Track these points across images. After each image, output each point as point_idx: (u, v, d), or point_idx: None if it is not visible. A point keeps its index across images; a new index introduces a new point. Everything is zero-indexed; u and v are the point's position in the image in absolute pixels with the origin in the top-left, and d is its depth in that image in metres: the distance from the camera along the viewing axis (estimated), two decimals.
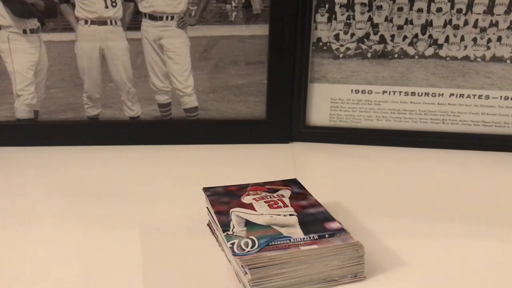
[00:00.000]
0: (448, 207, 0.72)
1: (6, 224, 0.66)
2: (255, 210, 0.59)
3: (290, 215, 0.58)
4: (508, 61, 0.91)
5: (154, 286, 0.53)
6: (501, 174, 0.85)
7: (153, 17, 0.91)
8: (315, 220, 0.57)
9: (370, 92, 0.95)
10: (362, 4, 0.91)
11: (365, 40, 0.93)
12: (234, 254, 0.52)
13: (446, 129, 0.96)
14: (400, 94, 0.95)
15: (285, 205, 0.60)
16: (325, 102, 0.97)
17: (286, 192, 0.64)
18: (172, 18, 0.91)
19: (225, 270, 0.55)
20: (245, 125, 0.97)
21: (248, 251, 0.52)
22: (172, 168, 0.86)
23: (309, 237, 0.54)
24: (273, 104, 0.95)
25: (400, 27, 0.91)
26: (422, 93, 0.94)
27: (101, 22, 0.90)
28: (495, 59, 0.91)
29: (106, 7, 0.89)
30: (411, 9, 0.90)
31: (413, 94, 0.95)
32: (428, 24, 0.91)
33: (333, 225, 0.56)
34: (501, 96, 0.93)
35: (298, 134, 0.98)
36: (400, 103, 0.95)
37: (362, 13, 0.91)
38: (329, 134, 0.97)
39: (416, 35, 0.92)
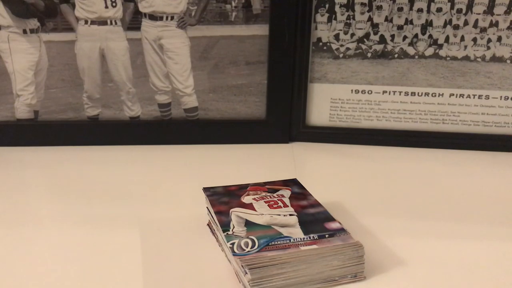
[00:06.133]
0: (448, 207, 0.72)
1: (6, 224, 0.66)
2: (255, 210, 0.59)
3: (290, 215, 0.58)
4: (508, 61, 0.91)
5: (154, 286, 0.53)
6: (501, 174, 0.85)
7: (153, 17, 0.91)
8: (315, 220, 0.57)
9: (370, 92, 0.95)
10: (362, 4, 0.91)
11: (365, 40, 0.93)
12: (234, 254, 0.52)
13: (446, 129, 0.96)
14: (400, 94, 0.95)
15: (285, 205, 0.60)
16: (325, 102, 0.97)
17: (286, 192, 0.64)
18: (172, 18, 0.91)
19: (225, 270, 0.55)
20: (245, 125, 0.97)
21: (248, 251, 0.52)
22: (172, 168, 0.86)
23: (309, 237, 0.54)
24: (273, 104, 0.95)
25: (400, 27, 0.91)
26: (422, 93, 0.94)
27: (101, 22, 0.90)
28: (495, 59, 0.91)
29: (106, 7, 0.89)
30: (411, 9, 0.90)
31: (413, 94, 0.95)
32: (428, 24, 0.91)
33: (333, 225, 0.56)
34: (501, 96, 0.93)
35: (298, 134, 0.98)
36: (400, 103, 0.95)
37: (362, 13, 0.91)
38: (329, 134, 0.97)
39: (416, 35, 0.92)
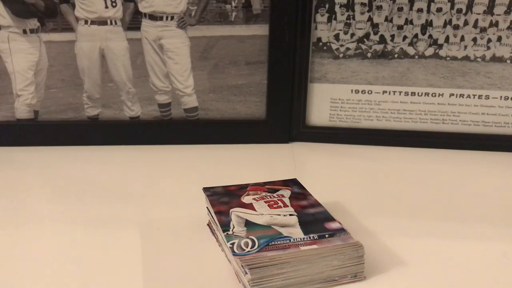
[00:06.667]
0: (448, 207, 0.72)
1: (6, 224, 0.66)
2: (255, 210, 0.59)
3: (290, 215, 0.58)
4: (508, 61, 0.91)
5: (154, 286, 0.53)
6: (501, 174, 0.85)
7: (153, 17, 0.91)
8: (315, 220, 0.57)
9: (370, 92, 0.95)
10: (362, 4, 0.91)
11: (365, 40, 0.93)
12: (234, 254, 0.52)
13: (446, 129, 0.96)
14: (400, 94, 0.95)
15: (285, 205, 0.60)
16: (325, 102, 0.97)
17: (286, 192, 0.64)
18: (172, 18, 0.91)
19: (225, 270, 0.55)
20: (245, 125, 0.97)
21: (248, 251, 0.52)
22: (172, 168, 0.86)
23: (309, 237, 0.54)
24: (273, 104, 0.95)
25: (400, 27, 0.91)
26: (422, 93, 0.94)
27: (101, 22, 0.90)
28: (495, 59, 0.91)
29: (106, 7, 0.89)
30: (411, 9, 0.90)
31: (413, 94, 0.95)
32: (428, 24, 0.91)
33: (333, 225, 0.56)
34: (501, 96, 0.93)
35: (298, 134, 0.98)
36: (400, 103, 0.95)
37: (362, 13, 0.91)
38: (329, 134, 0.97)
39: (416, 35, 0.92)
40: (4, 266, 0.57)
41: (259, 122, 0.97)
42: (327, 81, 0.96)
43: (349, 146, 0.96)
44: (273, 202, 0.61)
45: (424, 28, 0.91)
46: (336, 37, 0.93)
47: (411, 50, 0.93)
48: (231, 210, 0.59)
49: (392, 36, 0.92)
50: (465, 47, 0.91)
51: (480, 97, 0.93)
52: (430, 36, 0.91)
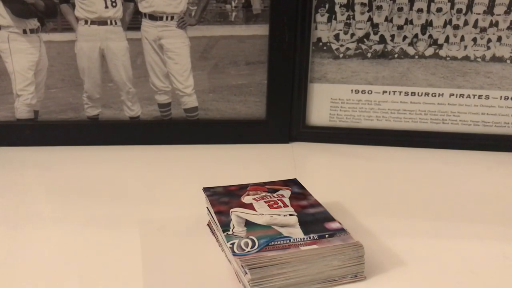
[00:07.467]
0: (448, 207, 0.72)
1: (6, 224, 0.66)
2: (255, 210, 0.59)
3: (290, 215, 0.58)
4: (508, 61, 0.91)
5: (154, 286, 0.53)
6: (501, 174, 0.85)
7: (153, 17, 0.91)
8: (315, 220, 0.57)
9: (370, 92, 0.95)
10: (362, 4, 0.91)
11: (365, 40, 0.93)
12: (234, 254, 0.52)
13: (446, 129, 0.96)
14: (400, 94, 0.95)
15: (285, 205, 0.60)
16: (325, 102, 0.97)
17: (286, 192, 0.64)
18: (172, 18, 0.91)
19: (225, 270, 0.55)
20: (245, 125, 0.97)
21: (248, 251, 0.52)
22: (172, 168, 0.86)
23: (309, 237, 0.54)
24: (273, 104, 0.95)
25: (400, 27, 0.91)
26: (422, 93, 0.94)
27: (101, 22, 0.90)
28: (495, 59, 0.91)
29: (106, 7, 0.89)
30: (411, 9, 0.90)
31: (413, 94, 0.95)
32: (428, 24, 0.91)
33: (333, 225, 0.56)
34: (501, 96, 0.93)
35: (298, 134, 0.98)
36: (400, 103, 0.95)
37: (362, 13, 0.91)
38: (329, 134, 0.97)
39: (416, 35, 0.92)
40: (4, 266, 0.57)
41: (259, 122, 0.97)
42: (327, 81, 0.96)
43: (349, 146, 0.96)
44: (273, 202, 0.61)
45: (424, 28, 0.91)
46: (336, 37, 0.93)
47: (411, 50, 0.93)
48: (231, 210, 0.59)
49: (392, 36, 0.92)
50: (465, 47, 0.91)
51: (480, 97, 0.93)
52: (430, 36, 0.91)
